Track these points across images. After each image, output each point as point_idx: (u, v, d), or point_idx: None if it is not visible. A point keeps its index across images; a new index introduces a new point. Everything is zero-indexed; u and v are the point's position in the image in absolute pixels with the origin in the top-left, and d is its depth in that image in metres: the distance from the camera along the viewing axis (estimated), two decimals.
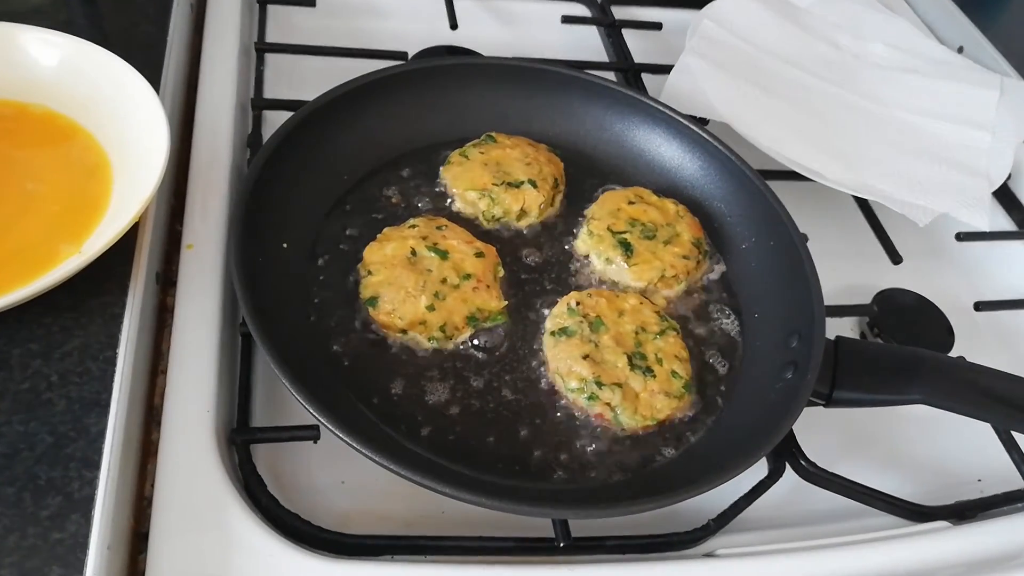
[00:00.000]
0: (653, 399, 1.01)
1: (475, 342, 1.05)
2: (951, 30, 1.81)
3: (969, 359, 1.13)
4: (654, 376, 1.02)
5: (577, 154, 1.29)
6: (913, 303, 1.29)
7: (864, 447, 1.14)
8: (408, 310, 1.02)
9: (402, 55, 1.39)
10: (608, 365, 1.02)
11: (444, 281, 1.05)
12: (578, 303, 1.06)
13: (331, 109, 1.16)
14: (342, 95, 1.17)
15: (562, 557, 0.91)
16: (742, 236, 1.21)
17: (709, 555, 0.95)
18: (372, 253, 1.07)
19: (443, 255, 1.07)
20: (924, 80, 1.59)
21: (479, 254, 1.09)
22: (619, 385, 1.00)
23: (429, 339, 1.02)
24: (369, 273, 1.05)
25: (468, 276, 1.07)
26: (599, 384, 0.99)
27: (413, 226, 1.10)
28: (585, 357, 1.01)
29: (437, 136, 1.25)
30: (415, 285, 1.04)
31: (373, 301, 1.03)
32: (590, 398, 0.99)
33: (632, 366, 1.02)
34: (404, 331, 1.02)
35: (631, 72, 1.53)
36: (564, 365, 1.02)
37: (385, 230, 1.10)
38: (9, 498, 0.78)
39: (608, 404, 0.99)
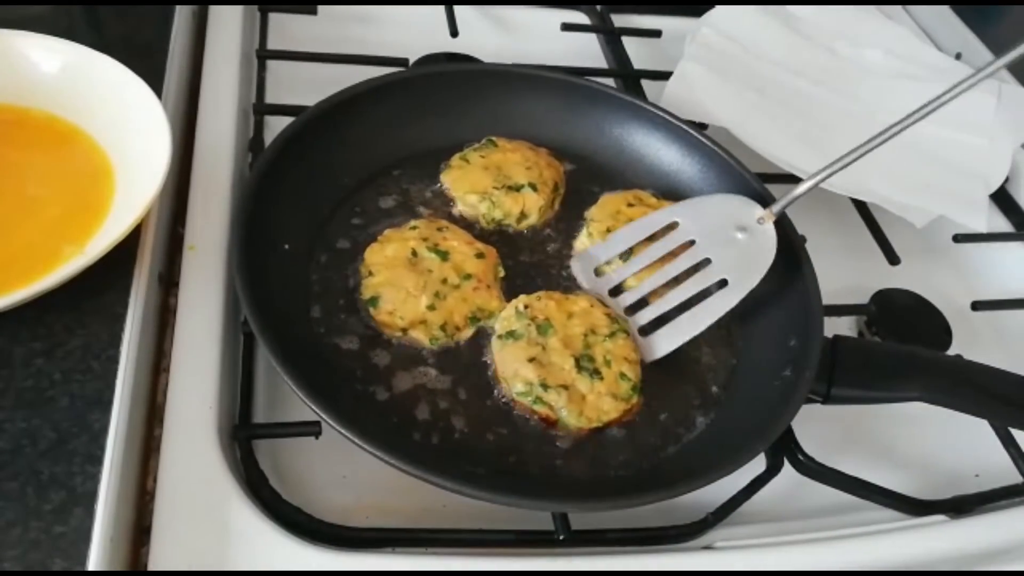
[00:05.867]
0: (600, 401, 1.00)
1: (476, 341, 1.05)
2: (949, 37, 1.82)
3: (966, 358, 1.13)
4: (601, 378, 1.01)
5: (577, 158, 1.30)
6: (911, 303, 1.29)
7: (862, 443, 1.15)
8: (409, 310, 1.03)
9: (403, 62, 1.39)
10: (555, 367, 1.01)
11: (445, 281, 1.06)
12: (526, 306, 1.06)
13: (332, 114, 1.17)
14: (343, 100, 1.18)
15: (562, 549, 0.92)
16: None
17: (707, 548, 0.95)
18: (373, 254, 1.08)
19: (443, 256, 1.08)
20: (922, 86, 1.60)
21: (479, 255, 1.10)
22: (565, 387, 1.00)
23: (430, 339, 1.03)
24: (370, 274, 1.06)
25: (468, 276, 1.07)
26: (544, 387, 0.99)
27: (414, 227, 1.11)
28: (531, 360, 1.01)
29: (438, 140, 1.26)
30: (416, 285, 1.05)
31: (374, 301, 1.04)
32: (535, 401, 0.99)
33: (579, 368, 1.01)
34: (404, 330, 1.03)
35: (630, 78, 1.54)
36: (510, 369, 1.01)
37: (386, 231, 1.11)
38: (12, 493, 0.79)
39: (551, 406, 0.99)
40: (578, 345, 1.03)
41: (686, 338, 1.07)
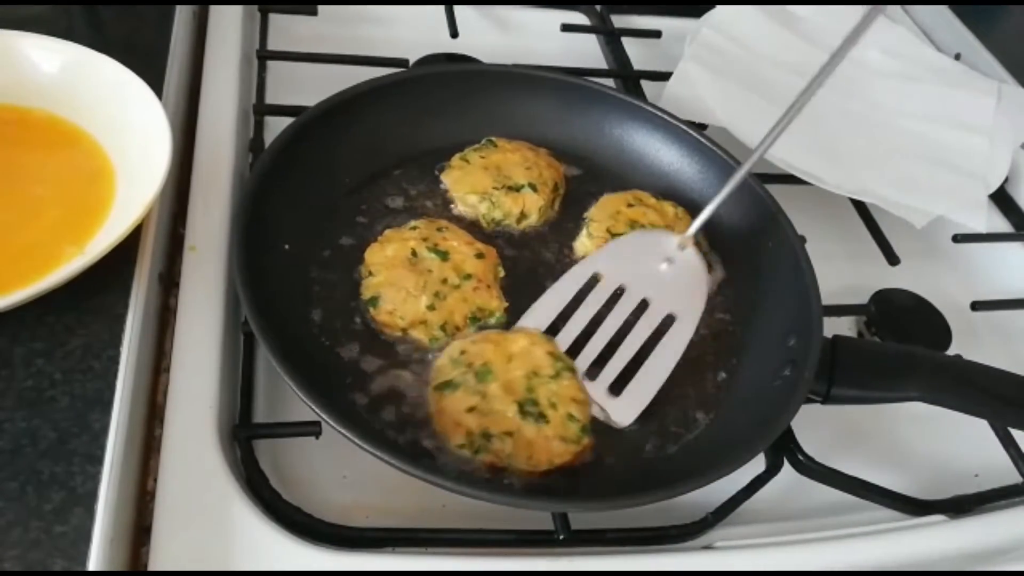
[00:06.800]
0: (549, 445, 0.94)
1: None
2: (948, 37, 1.82)
3: (966, 358, 1.13)
4: (547, 422, 0.96)
5: (577, 158, 1.31)
6: (910, 303, 1.29)
7: (862, 443, 1.15)
8: (409, 310, 1.03)
9: (403, 62, 1.40)
10: (497, 415, 0.95)
11: (445, 281, 1.06)
12: (462, 352, 1.01)
13: (332, 114, 1.17)
14: (343, 101, 1.18)
15: (562, 549, 0.92)
16: (741, 238, 1.21)
17: (707, 547, 0.95)
18: (373, 254, 1.08)
19: (443, 256, 1.08)
20: (922, 86, 1.61)
21: (479, 255, 1.10)
22: (510, 434, 0.94)
23: (430, 339, 1.03)
24: (370, 274, 1.06)
25: (468, 276, 1.07)
26: (487, 436, 0.94)
27: (414, 227, 1.11)
28: (471, 410, 0.95)
29: (438, 141, 1.26)
30: (415, 285, 1.05)
31: (374, 301, 1.04)
32: (477, 451, 0.93)
33: (523, 414, 0.96)
34: (405, 330, 1.03)
35: (630, 79, 1.54)
36: (449, 421, 0.95)
37: (386, 232, 1.11)
38: (12, 492, 0.79)
39: (497, 454, 0.93)
40: (520, 389, 0.97)
41: (656, 386, 1.02)
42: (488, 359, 0.99)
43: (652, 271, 1.09)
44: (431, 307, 1.04)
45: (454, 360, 1.00)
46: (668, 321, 1.06)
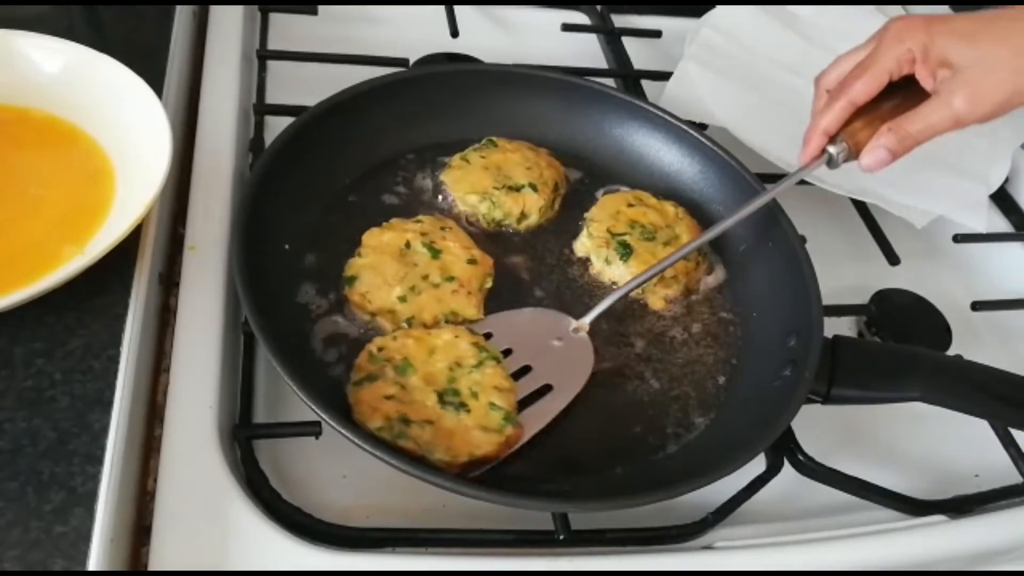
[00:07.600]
0: (469, 435, 0.93)
1: None
2: None
3: (966, 358, 1.13)
4: (468, 411, 0.95)
5: (577, 158, 1.31)
6: (911, 303, 1.29)
7: (862, 443, 1.15)
8: (380, 296, 1.04)
9: (403, 62, 1.39)
10: (417, 404, 0.94)
11: (425, 278, 1.07)
12: (380, 348, 0.99)
13: (332, 114, 1.17)
14: (343, 100, 1.18)
15: (562, 549, 0.92)
16: (741, 238, 1.21)
17: (708, 548, 0.95)
18: (371, 236, 1.09)
19: (435, 253, 1.09)
20: None
21: (472, 261, 1.10)
22: (430, 422, 0.93)
23: (393, 330, 1.03)
24: (359, 255, 1.07)
25: (451, 279, 1.07)
26: (406, 422, 0.92)
27: (419, 221, 1.12)
28: (389, 397, 0.94)
29: (438, 141, 1.26)
30: (394, 275, 1.05)
31: (351, 280, 1.05)
32: (398, 436, 0.91)
33: (444, 403, 0.95)
34: (373, 315, 1.04)
35: (631, 79, 1.54)
36: (366, 408, 0.93)
37: (392, 220, 1.12)
38: (12, 492, 0.79)
39: (416, 442, 0.91)
40: (442, 380, 0.98)
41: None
42: (408, 354, 0.99)
43: (543, 344, 1.08)
44: (402, 299, 1.04)
45: (373, 356, 0.99)
46: (544, 390, 1.03)
